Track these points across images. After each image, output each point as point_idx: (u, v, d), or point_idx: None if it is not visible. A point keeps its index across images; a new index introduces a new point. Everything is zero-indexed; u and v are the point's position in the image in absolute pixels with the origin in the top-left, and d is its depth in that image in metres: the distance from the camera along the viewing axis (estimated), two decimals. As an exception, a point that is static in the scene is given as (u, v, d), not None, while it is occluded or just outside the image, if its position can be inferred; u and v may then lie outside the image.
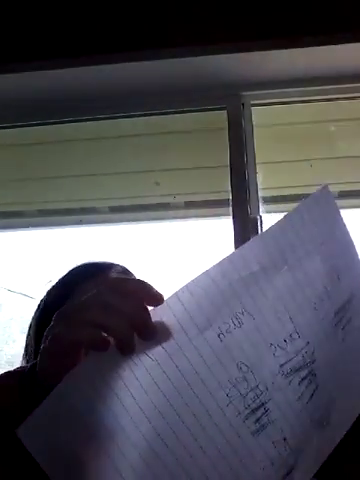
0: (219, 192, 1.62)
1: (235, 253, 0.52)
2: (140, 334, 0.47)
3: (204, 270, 0.50)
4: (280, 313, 0.54)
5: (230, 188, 1.56)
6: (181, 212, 1.68)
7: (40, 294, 0.86)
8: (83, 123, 1.70)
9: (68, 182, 1.71)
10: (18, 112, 1.68)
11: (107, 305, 0.47)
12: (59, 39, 1.49)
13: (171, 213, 1.69)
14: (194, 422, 0.49)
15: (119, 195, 1.70)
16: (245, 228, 1.50)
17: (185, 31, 1.46)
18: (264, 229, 1.50)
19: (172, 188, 1.67)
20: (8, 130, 1.74)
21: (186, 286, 0.49)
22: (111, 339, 0.46)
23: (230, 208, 1.55)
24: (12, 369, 0.58)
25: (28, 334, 0.83)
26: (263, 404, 0.52)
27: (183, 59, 1.50)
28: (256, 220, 1.52)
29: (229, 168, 1.58)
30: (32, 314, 0.84)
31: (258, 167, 1.59)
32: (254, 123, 1.63)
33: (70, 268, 0.85)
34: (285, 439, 0.54)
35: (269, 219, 1.54)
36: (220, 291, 0.50)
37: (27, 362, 0.79)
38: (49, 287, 0.85)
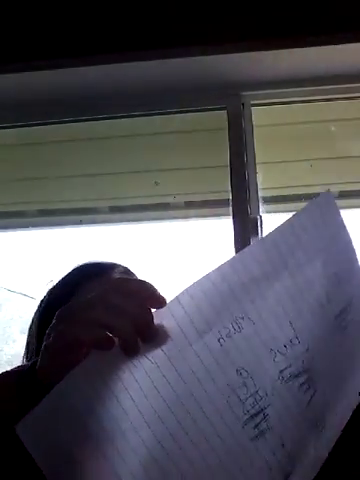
0: (219, 192, 1.62)
1: (235, 257, 0.52)
2: (142, 335, 0.47)
3: (205, 274, 0.50)
4: (280, 318, 0.54)
5: (230, 188, 1.56)
6: (181, 212, 1.68)
7: (40, 294, 0.86)
8: (83, 123, 1.70)
9: (68, 182, 1.71)
10: (18, 112, 1.68)
11: (112, 305, 0.47)
12: (59, 39, 1.49)
13: (171, 213, 1.69)
14: (193, 427, 0.49)
15: (119, 195, 1.70)
16: (245, 228, 1.50)
17: (185, 31, 1.46)
18: (264, 229, 1.51)
19: (172, 188, 1.67)
20: (8, 130, 1.74)
21: (187, 290, 0.49)
22: (115, 339, 0.46)
23: (230, 208, 1.55)
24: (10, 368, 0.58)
25: (29, 332, 0.83)
26: (262, 410, 0.52)
27: (183, 59, 1.50)
28: (256, 220, 1.52)
29: (229, 168, 1.58)
30: (33, 313, 0.84)
31: (258, 167, 1.59)
32: (254, 123, 1.63)
33: (73, 267, 0.84)
34: (283, 445, 0.54)
35: (269, 219, 1.54)
36: (220, 295, 0.50)
37: (28, 360, 0.79)
38: (51, 286, 0.84)
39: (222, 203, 1.59)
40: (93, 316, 0.47)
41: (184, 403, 0.48)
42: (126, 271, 0.82)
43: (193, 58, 1.49)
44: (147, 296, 0.48)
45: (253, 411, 0.52)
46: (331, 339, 0.58)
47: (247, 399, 0.51)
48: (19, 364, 0.81)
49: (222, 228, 1.57)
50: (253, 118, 1.63)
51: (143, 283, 0.50)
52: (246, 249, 0.53)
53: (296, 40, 1.44)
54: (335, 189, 1.62)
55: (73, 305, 0.51)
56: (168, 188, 1.66)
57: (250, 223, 1.51)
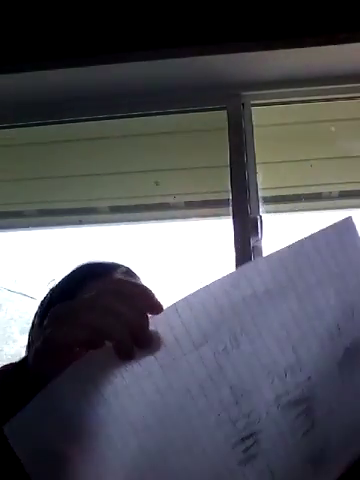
0: (219, 192, 1.62)
1: (238, 271, 0.51)
2: (136, 340, 0.46)
3: (205, 284, 0.48)
4: (282, 342, 0.51)
5: (230, 188, 1.56)
6: (181, 212, 1.68)
7: (41, 294, 0.86)
8: (83, 123, 1.70)
9: (68, 182, 1.71)
10: (18, 112, 1.68)
11: (106, 307, 0.46)
12: (59, 39, 1.49)
13: (171, 213, 1.69)
14: (180, 440, 0.47)
15: (119, 195, 1.70)
16: (245, 228, 1.50)
17: (185, 31, 1.46)
18: (264, 229, 1.51)
19: (172, 188, 1.67)
20: (8, 130, 1.74)
21: (185, 298, 0.47)
22: (107, 342, 0.46)
23: (230, 208, 1.55)
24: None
25: (30, 332, 0.83)
26: (254, 434, 0.50)
27: (183, 59, 1.50)
28: (256, 220, 1.52)
29: (229, 168, 1.57)
30: (34, 313, 0.84)
31: (258, 167, 1.59)
32: (254, 123, 1.62)
33: (74, 267, 0.84)
34: (272, 473, 0.51)
35: (269, 219, 1.54)
36: (220, 308, 0.48)
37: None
38: (52, 285, 0.84)
39: (222, 203, 1.59)
40: (85, 317, 0.46)
41: (173, 414, 0.47)
42: (128, 271, 0.82)
43: (193, 58, 1.49)
44: (144, 301, 0.48)
45: (244, 434, 0.50)
46: (339, 374, 0.54)
47: (239, 420, 0.49)
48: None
49: (222, 228, 1.57)
50: (253, 118, 1.63)
51: (140, 287, 0.49)
52: (250, 263, 0.52)
53: (296, 40, 1.44)
54: (335, 189, 1.62)
55: (66, 305, 0.50)
56: (168, 188, 1.66)
57: (250, 223, 1.51)
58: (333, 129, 1.62)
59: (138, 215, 1.71)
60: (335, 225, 0.54)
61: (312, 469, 0.54)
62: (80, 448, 0.45)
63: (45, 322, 0.49)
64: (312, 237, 0.52)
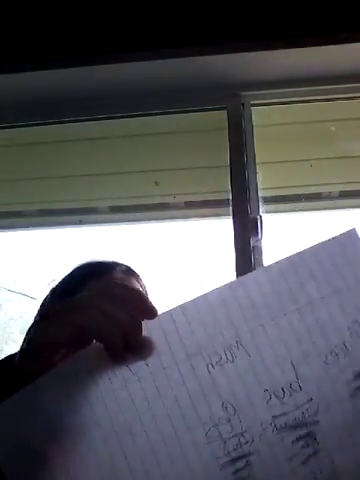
0: (219, 192, 1.62)
1: (236, 281, 0.50)
2: (128, 345, 0.45)
3: (202, 293, 0.48)
4: (281, 357, 0.48)
5: (230, 188, 1.56)
6: (181, 212, 1.68)
7: (41, 294, 0.86)
8: (83, 123, 1.70)
9: (68, 182, 1.71)
10: (18, 112, 1.68)
11: (99, 309, 0.46)
12: (59, 39, 1.49)
13: (171, 213, 1.69)
14: (164, 452, 0.45)
15: (119, 195, 1.70)
16: (245, 228, 1.50)
17: (185, 31, 1.46)
18: (264, 229, 1.51)
19: (172, 188, 1.67)
20: (8, 130, 1.74)
21: (181, 306, 0.47)
22: (97, 344, 0.45)
23: (230, 208, 1.54)
24: None
25: (27, 331, 0.83)
26: (246, 455, 0.47)
27: (183, 59, 1.50)
28: (256, 220, 1.52)
29: (229, 168, 1.57)
30: (35, 313, 0.84)
31: (258, 167, 1.59)
32: (254, 123, 1.62)
33: (75, 266, 0.84)
34: None
35: (269, 219, 1.54)
36: (216, 318, 0.47)
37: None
38: (53, 285, 0.84)
39: (222, 203, 1.59)
40: (70, 317, 0.46)
41: (159, 424, 0.45)
42: (128, 270, 0.82)
43: (193, 58, 1.49)
44: (138, 305, 0.47)
45: (235, 454, 0.46)
46: (346, 398, 0.50)
47: (230, 439, 0.46)
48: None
49: (222, 228, 1.57)
50: (253, 118, 1.63)
51: (135, 291, 0.49)
52: (249, 274, 0.50)
53: (296, 40, 1.44)
54: (335, 189, 1.62)
55: (53, 306, 0.50)
56: (168, 188, 1.66)
57: (250, 223, 1.51)
58: (333, 129, 1.62)
59: (138, 215, 1.72)
60: (338, 237, 0.52)
61: None
62: (60, 449, 0.44)
63: (34, 321, 0.49)
64: (313, 247, 0.51)
